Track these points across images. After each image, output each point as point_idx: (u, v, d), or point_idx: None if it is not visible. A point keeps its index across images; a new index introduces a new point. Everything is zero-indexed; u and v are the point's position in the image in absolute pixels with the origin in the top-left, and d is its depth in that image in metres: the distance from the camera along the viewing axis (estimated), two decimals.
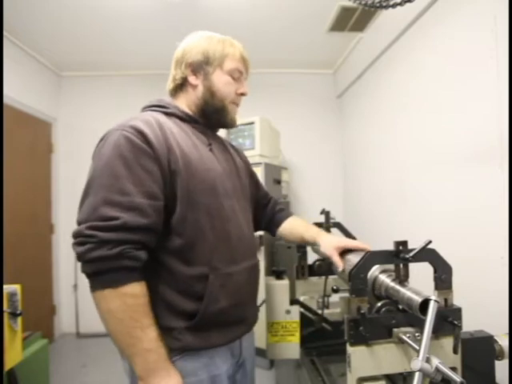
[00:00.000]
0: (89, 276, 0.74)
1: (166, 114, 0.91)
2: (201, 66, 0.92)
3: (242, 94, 0.98)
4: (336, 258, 0.91)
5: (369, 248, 0.90)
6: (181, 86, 0.96)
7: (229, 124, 0.99)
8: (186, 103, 0.96)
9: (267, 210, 1.20)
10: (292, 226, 1.15)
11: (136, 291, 0.74)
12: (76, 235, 0.74)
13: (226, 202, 0.89)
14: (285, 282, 1.39)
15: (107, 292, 0.73)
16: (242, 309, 0.92)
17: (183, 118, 0.93)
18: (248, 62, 0.98)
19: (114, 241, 0.72)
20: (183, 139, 0.86)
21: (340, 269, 0.88)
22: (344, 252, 0.92)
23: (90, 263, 0.72)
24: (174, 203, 0.81)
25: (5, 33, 2.56)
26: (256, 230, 1.14)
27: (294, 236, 1.13)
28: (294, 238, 1.13)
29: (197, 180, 0.83)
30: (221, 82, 0.93)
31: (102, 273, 0.72)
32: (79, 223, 0.75)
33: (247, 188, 1.06)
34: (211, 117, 0.96)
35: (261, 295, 1.41)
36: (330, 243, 0.95)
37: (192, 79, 0.93)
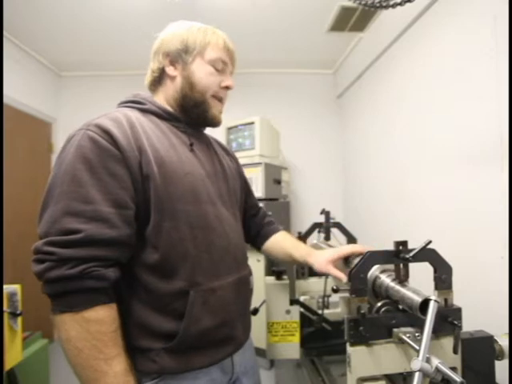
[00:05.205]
0: (49, 297, 0.66)
1: (142, 110, 0.82)
2: (179, 55, 0.83)
3: (227, 88, 0.87)
4: (334, 272, 0.85)
5: (366, 248, 0.83)
6: (159, 79, 0.87)
7: (210, 121, 0.88)
8: (164, 98, 0.86)
9: (255, 221, 1.08)
10: (280, 243, 1.04)
11: (101, 316, 0.65)
12: (34, 251, 0.65)
13: (209, 209, 0.80)
14: (285, 282, 1.39)
15: (66, 317, 0.64)
16: (230, 327, 0.81)
17: (161, 115, 0.83)
18: (233, 52, 0.88)
19: (76, 258, 0.63)
20: (159, 139, 0.77)
21: (344, 281, 0.82)
22: (345, 259, 0.89)
23: (50, 284, 0.64)
24: (147, 212, 0.72)
25: (5, 33, 2.56)
26: None
27: (281, 254, 1.02)
28: (282, 256, 1.02)
29: (174, 185, 0.74)
30: (201, 72, 0.83)
31: (61, 295, 0.64)
32: (40, 237, 0.66)
33: (237, 192, 0.96)
34: (191, 112, 0.85)
35: (261, 295, 1.42)
36: (322, 260, 0.88)
37: (170, 70, 0.84)
